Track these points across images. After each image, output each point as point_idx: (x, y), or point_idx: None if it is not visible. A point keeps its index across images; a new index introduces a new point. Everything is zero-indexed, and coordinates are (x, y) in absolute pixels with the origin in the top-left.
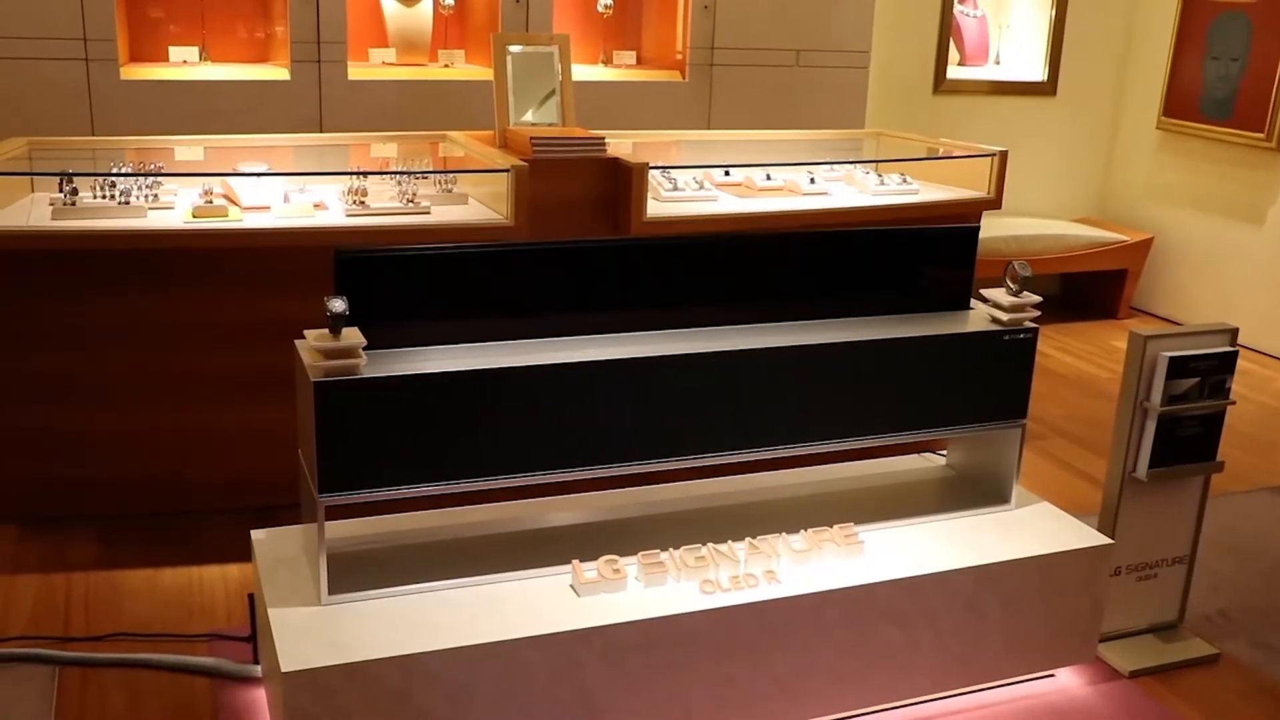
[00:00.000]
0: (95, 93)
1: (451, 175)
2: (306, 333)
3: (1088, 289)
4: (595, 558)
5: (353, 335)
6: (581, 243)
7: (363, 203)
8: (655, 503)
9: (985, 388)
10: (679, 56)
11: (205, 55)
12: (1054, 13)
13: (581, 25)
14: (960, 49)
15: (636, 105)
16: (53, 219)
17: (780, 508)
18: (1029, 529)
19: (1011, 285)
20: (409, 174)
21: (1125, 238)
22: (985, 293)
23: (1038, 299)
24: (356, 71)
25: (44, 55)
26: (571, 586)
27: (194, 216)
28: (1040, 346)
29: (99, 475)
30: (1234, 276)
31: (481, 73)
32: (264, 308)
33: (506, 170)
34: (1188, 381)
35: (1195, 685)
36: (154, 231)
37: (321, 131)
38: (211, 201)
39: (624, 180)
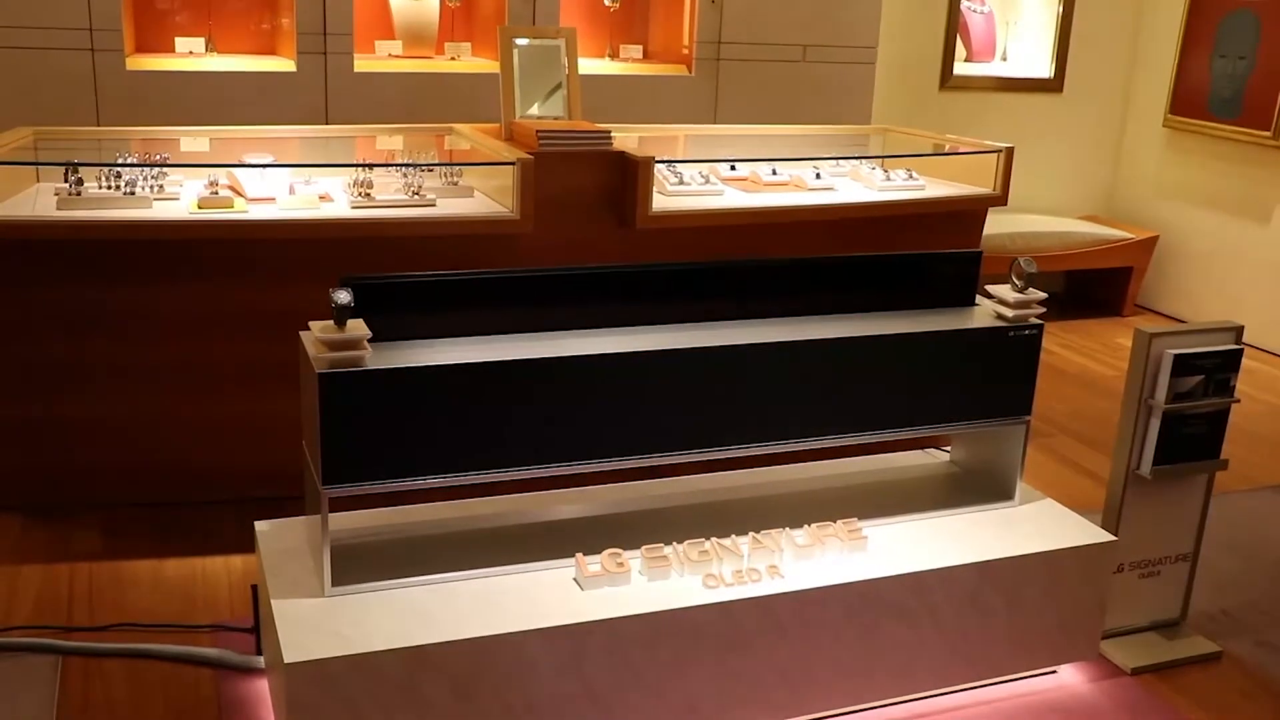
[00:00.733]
0: (101, 83)
1: (457, 168)
2: (311, 324)
3: (1093, 286)
4: (599, 551)
5: (357, 327)
6: (587, 269)
7: (368, 195)
8: (659, 496)
9: (990, 384)
10: (685, 51)
11: (211, 46)
12: (1061, 9)
13: (588, 18)
14: (967, 45)
15: (643, 99)
16: (58, 209)
17: (784, 502)
18: (1032, 525)
19: (1017, 282)
20: (414, 166)
21: (1131, 235)
22: (990, 289)
23: (1043, 296)
24: (362, 63)
25: (50, 45)
26: (575, 580)
27: (199, 208)
28: (1045, 343)
29: (103, 465)
30: (1240, 275)
31: (488, 65)
32: (269, 299)
33: (512, 163)
34: (1192, 379)
35: (1197, 683)
36: (159, 222)
37: (327, 123)
38: (217, 193)
39: (630, 174)
